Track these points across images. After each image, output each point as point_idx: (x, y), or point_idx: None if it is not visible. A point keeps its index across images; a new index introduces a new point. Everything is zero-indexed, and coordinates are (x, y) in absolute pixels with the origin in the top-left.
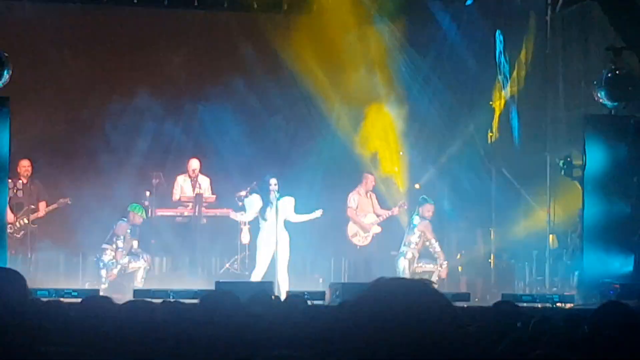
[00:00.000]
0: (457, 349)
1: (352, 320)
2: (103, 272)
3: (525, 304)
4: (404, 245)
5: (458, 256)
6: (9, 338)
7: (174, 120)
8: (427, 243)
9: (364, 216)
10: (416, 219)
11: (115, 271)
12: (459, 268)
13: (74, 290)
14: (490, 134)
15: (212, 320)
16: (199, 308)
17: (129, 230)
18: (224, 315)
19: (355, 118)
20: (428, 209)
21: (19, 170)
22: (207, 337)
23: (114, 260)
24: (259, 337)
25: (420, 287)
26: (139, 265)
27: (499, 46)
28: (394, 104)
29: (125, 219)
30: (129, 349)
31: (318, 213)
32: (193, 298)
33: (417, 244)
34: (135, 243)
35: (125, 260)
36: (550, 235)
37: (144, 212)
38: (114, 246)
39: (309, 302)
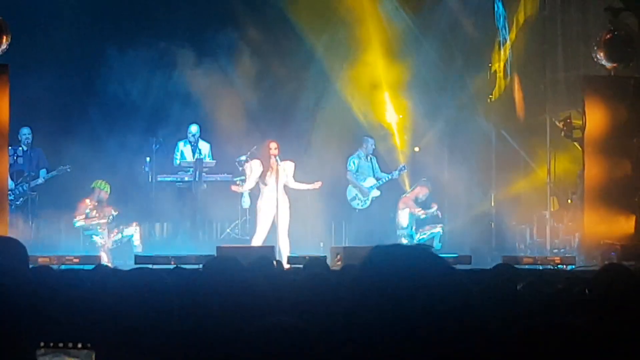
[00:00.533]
0: (460, 312)
1: (353, 291)
2: (96, 239)
3: (526, 267)
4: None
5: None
6: (9, 307)
7: (173, 86)
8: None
9: (363, 179)
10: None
11: (107, 238)
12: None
13: (75, 257)
14: (490, 96)
15: (216, 288)
16: (202, 275)
17: (92, 207)
18: (227, 282)
19: (357, 80)
20: (418, 191)
21: (19, 137)
22: (211, 305)
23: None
24: (260, 304)
25: (418, 252)
26: (132, 229)
27: (498, 11)
28: (395, 67)
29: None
30: (131, 316)
31: (317, 185)
32: (194, 264)
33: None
34: (108, 210)
35: (113, 227)
36: (551, 197)
37: (108, 188)
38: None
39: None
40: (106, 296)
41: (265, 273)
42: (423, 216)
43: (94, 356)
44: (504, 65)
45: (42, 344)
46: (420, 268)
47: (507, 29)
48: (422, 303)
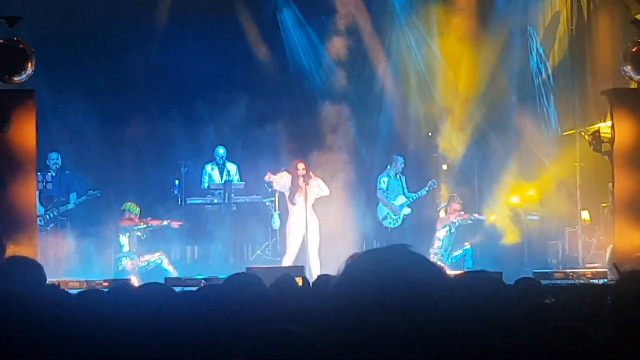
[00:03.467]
0: (446, 306)
1: (332, 301)
2: (125, 261)
3: (558, 281)
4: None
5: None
6: (26, 327)
7: (199, 109)
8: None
9: (394, 198)
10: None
11: (137, 262)
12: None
13: (105, 281)
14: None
15: (234, 304)
16: (221, 292)
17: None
18: (245, 298)
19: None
20: (455, 208)
21: (47, 163)
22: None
23: (130, 251)
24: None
25: (395, 251)
26: (157, 257)
27: (532, 43)
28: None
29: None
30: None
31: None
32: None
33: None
34: (137, 236)
35: (143, 252)
36: (582, 211)
37: (138, 210)
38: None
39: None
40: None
41: (286, 291)
42: (469, 221)
43: None
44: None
45: None
46: (399, 267)
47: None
48: (405, 301)
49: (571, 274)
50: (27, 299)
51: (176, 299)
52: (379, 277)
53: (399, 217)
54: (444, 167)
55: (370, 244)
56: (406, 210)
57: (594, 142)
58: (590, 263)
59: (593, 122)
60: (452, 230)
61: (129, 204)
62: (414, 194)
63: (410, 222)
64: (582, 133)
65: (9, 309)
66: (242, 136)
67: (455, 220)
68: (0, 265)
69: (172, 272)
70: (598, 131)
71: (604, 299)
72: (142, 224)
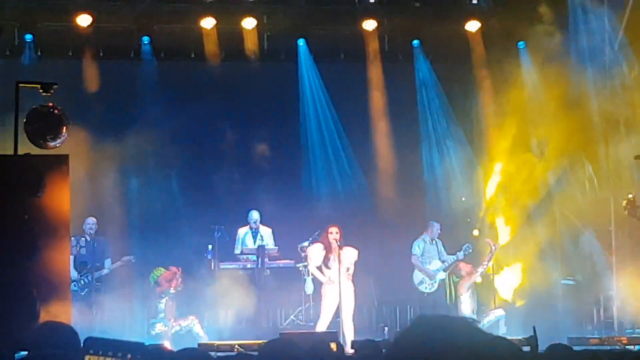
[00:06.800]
0: None
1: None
2: (158, 326)
3: (593, 348)
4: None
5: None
6: None
7: (232, 173)
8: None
9: (428, 263)
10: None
11: (170, 326)
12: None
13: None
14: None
15: None
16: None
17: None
18: None
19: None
20: (466, 269)
21: (83, 227)
22: None
23: (164, 317)
24: None
25: (462, 325)
26: (190, 321)
27: None
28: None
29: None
30: None
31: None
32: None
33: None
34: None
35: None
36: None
37: (160, 272)
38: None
39: None
40: None
41: (322, 356)
42: (482, 271)
43: None
44: None
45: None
46: (461, 340)
47: None
48: None
49: (607, 340)
50: None
51: None
52: (439, 343)
53: (434, 281)
54: (475, 232)
55: (404, 309)
56: (442, 275)
57: (629, 207)
58: (627, 329)
59: (628, 188)
60: (469, 288)
61: (153, 273)
62: (450, 258)
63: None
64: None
65: None
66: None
67: (473, 280)
68: (35, 330)
69: (203, 337)
70: (634, 197)
71: None
72: (172, 288)
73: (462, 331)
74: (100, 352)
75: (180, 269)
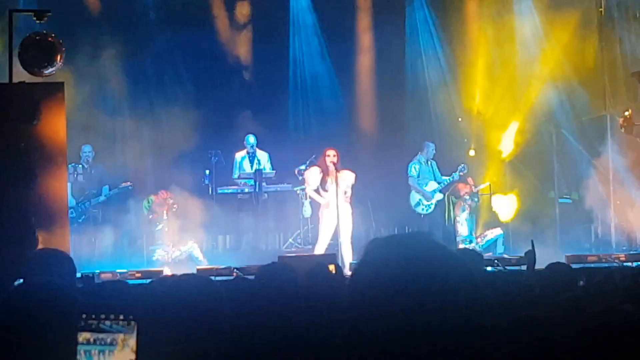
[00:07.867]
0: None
1: (353, 288)
2: (159, 253)
3: (591, 265)
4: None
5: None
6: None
7: (228, 98)
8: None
9: (425, 184)
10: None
11: (170, 252)
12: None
13: (138, 272)
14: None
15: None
16: (256, 283)
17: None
18: (280, 290)
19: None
20: (462, 187)
21: (80, 155)
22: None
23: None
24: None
25: (416, 239)
26: (189, 246)
27: None
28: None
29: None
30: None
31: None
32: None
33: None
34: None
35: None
36: (614, 194)
37: (151, 200)
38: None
39: None
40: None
41: (321, 278)
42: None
43: (136, 328)
44: None
45: (83, 315)
46: (420, 256)
47: None
48: (424, 291)
49: (604, 257)
50: (64, 290)
51: (215, 288)
52: (397, 264)
53: (431, 203)
54: (471, 152)
55: (402, 230)
56: (438, 196)
57: (625, 124)
58: (623, 246)
59: (623, 105)
60: (467, 208)
61: (145, 203)
62: (446, 179)
63: (443, 207)
64: (614, 115)
65: (49, 301)
66: (272, 123)
67: (466, 197)
68: (31, 257)
69: (203, 261)
70: (629, 113)
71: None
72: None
73: (416, 247)
74: (94, 316)
75: (169, 192)
